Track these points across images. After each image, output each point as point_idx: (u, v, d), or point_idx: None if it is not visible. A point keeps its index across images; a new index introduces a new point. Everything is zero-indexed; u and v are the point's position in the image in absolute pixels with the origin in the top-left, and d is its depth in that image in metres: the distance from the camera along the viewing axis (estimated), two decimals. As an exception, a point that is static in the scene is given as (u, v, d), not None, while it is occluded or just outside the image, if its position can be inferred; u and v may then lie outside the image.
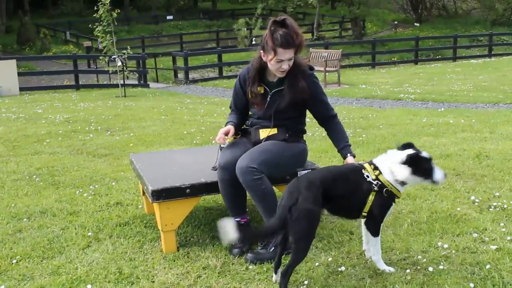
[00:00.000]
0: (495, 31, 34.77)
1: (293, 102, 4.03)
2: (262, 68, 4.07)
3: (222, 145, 4.16)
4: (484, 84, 15.94)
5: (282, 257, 3.53)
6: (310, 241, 3.37)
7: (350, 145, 4.14)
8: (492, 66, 22.32)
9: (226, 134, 4.11)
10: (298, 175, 4.03)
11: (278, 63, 3.90)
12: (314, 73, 4.18)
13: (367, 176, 3.55)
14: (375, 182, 3.52)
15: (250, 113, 4.33)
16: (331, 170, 3.74)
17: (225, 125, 4.22)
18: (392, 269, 3.61)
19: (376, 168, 3.60)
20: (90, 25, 19.42)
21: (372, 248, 3.69)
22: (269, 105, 4.09)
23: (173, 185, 3.98)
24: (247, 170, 3.81)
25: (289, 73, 3.99)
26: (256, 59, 4.09)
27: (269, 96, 4.09)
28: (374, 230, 3.62)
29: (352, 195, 3.54)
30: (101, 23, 16.41)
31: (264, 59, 3.98)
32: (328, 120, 4.23)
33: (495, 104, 11.85)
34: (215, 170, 4.11)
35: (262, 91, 4.10)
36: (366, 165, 3.64)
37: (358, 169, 3.62)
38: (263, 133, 4.14)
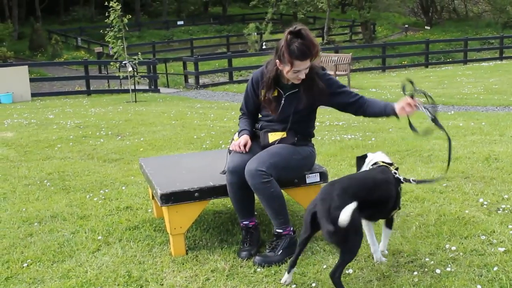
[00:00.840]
0: (506, 33, 34.67)
1: (311, 104, 4.06)
2: (277, 75, 4.09)
3: (230, 149, 4.19)
4: (495, 87, 15.90)
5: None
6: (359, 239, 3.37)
7: (390, 104, 4.10)
8: (503, 69, 22.25)
9: (245, 145, 4.14)
10: (306, 179, 4.05)
11: (295, 73, 3.92)
12: (326, 72, 4.20)
13: (395, 173, 3.75)
14: (401, 177, 3.76)
15: (260, 115, 4.35)
16: (362, 177, 3.77)
17: (239, 132, 4.25)
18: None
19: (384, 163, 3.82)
20: (101, 31, 19.50)
21: (384, 241, 3.88)
22: (283, 108, 4.11)
23: (181, 188, 4.02)
24: (256, 173, 3.83)
25: (309, 76, 4.01)
26: (271, 66, 4.06)
27: (283, 99, 4.11)
28: (392, 222, 3.84)
29: (389, 196, 3.66)
30: (112, 28, 16.52)
31: (280, 68, 3.99)
32: (359, 103, 4.12)
33: (505, 106, 11.82)
34: (224, 174, 4.14)
35: (276, 94, 4.12)
36: (381, 162, 3.82)
37: (385, 168, 3.76)
38: (272, 136, 4.16)
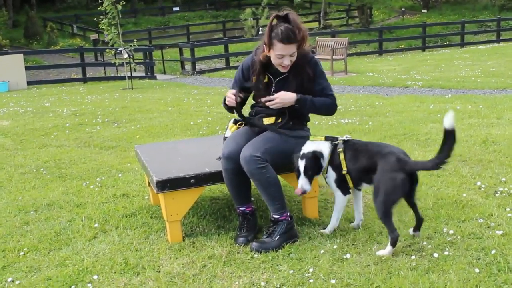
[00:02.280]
0: (503, 16, 34.50)
1: (299, 90, 4.01)
2: (267, 61, 4.04)
3: (226, 136, 4.17)
4: (492, 69, 15.86)
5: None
6: None
7: (309, 97, 3.99)
8: (500, 52, 22.20)
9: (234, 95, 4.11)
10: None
11: (279, 59, 3.88)
12: (316, 57, 4.14)
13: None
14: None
15: (254, 102, 4.31)
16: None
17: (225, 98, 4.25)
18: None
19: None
20: (95, 19, 19.39)
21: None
22: (274, 92, 4.06)
23: (177, 175, 3.99)
24: (251, 159, 3.81)
25: (294, 64, 3.96)
26: (260, 52, 4.04)
27: (273, 84, 4.08)
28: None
29: None
30: (106, 16, 16.40)
31: (266, 52, 3.96)
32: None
33: (503, 89, 11.79)
34: (220, 160, 4.12)
35: (266, 80, 4.09)
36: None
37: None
38: (267, 121, 4.13)
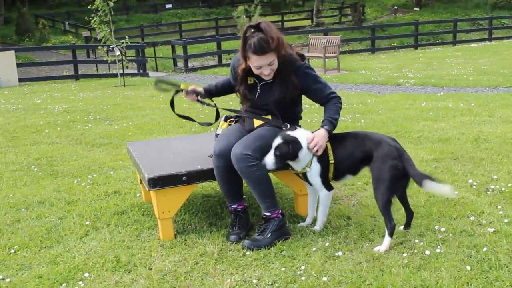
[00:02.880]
0: (496, 14, 34.62)
1: (282, 99, 3.97)
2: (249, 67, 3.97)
3: (217, 132, 4.17)
4: (484, 67, 15.90)
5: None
6: None
7: (330, 120, 3.99)
8: (492, 50, 22.25)
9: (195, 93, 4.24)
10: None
11: (258, 69, 3.86)
12: (306, 62, 4.09)
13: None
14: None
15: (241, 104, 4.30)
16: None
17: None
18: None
19: None
20: (86, 18, 19.31)
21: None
22: (260, 96, 4.05)
23: (169, 172, 3.98)
24: (241, 157, 3.80)
25: (279, 70, 3.92)
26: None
27: (258, 87, 4.05)
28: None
29: None
30: (98, 13, 16.33)
31: (242, 65, 3.96)
32: (325, 102, 4.09)
33: (494, 87, 11.82)
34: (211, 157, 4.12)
35: (252, 82, 4.06)
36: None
37: None
38: (257, 121, 4.12)
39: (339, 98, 4.09)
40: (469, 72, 15.03)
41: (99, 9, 16.18)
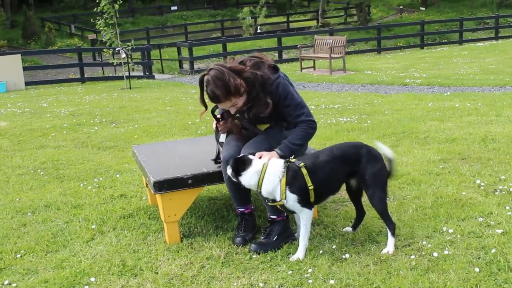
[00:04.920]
0: (502, 13, 34.49)
1: (273, 114, 3.88)
2: None
3: (221, 140, 4.15)
4: (491, 67, 15.83)
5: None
6: None
7: (287, 144, 3.81)
8: (499, 49, 22.17)
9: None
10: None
11: (225, 110, 3.92)
12: (280, 74, 3.91)
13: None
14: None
15: None
16: None
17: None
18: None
19: None
20: (91, 20, 19.35)
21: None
22: (252, 118, 4.02)
23: (175, 176, 3.97)
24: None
25: (251, 98, 3.83)
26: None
27: (245, 117, 4.03)
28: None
29: None
30: (103, 16, 16.35)
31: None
32: (295, 124, 3.92)
33: (501, 86, 11.76)
34: (214, 161, 4.11)
35: (238, 122, 4.07)
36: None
37: None
38: (260, 126, 4.10)
39: (311, 123, 3.88)
40: (476, 71, 14.96)
41: (104, 11, 16.20)
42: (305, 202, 3.67)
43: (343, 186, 3.93)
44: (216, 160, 4.19)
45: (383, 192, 3.70)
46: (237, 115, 4.06)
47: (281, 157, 3.75)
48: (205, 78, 3.77)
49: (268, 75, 3.83)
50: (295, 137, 3.83)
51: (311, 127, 3.87)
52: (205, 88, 3.78)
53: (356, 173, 3.74)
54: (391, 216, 3.76)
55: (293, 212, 3.79)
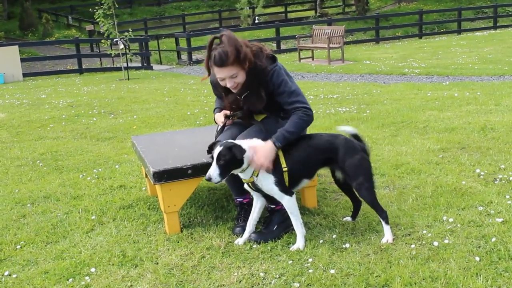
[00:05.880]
0: (500, 2, 34.41)
1: (267, 105, 3.86)
2: None
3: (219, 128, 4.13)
4: (489, 56, 15.81)
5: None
6: None
7: (283, 133, 3.69)
8: (497, 38, 22.13)
9: (226, 116, 4.05)
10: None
11: (222, 81, 3.76)
12: (277, 65, 3.85)
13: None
14: None
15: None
16: None
17: (214, 111, 4.24)
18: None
19: None
20: (90, 9, 19.28)
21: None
22: (246, 106, 3.95)
23: (174, 166, 3.95)
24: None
25: (249, 83, 3.78)
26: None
27: (241, 100, 3.93)
28: None
29: None
30: (101, 6, 16.29)
31: (206, 77, 3.95)
32: (290, 111, 3.83)
33: (500, 76, 11.74)
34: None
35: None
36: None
37: None
38: (257, 117, 4.07)
39: (306, 110, 3.79)
40: (475, 61, 14.94)
41: (102, 2, 16.15)
42: (283, 185, 3.65)
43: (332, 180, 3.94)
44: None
45: (368, 182, 3.67)
46: (236, 113, 4.04)
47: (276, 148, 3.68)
48: (222, 37, 3.66)
49: (265, 64, 3.79)
50: (290, 125, 3.74)
51: (306, 114, 3.78)
52: (214, 48, 3.67)
53: (333, 163, 3.75)
54: (382, 206, 3.75)
55: (267, 197, 3.80)
